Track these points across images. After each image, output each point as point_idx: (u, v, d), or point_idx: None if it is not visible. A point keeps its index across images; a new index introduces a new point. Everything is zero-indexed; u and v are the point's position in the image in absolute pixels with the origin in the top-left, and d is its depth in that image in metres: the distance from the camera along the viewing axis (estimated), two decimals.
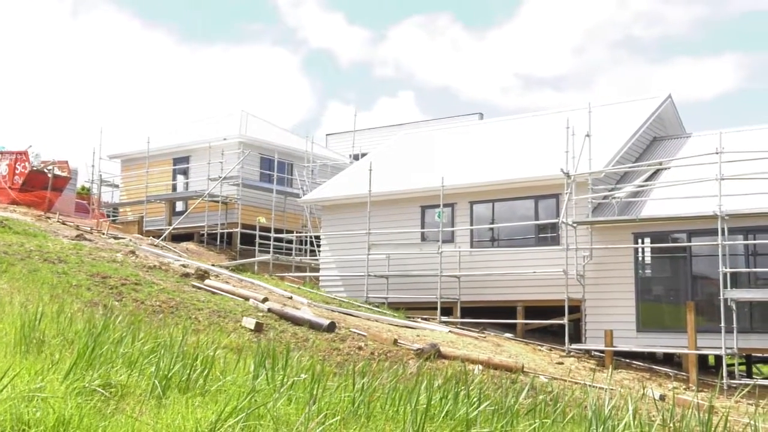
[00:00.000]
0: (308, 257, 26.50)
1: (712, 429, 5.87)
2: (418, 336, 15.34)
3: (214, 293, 14.65)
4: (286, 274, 23.52)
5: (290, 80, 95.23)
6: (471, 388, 6.50)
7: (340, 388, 6.01)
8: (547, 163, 19.57)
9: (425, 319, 19.00)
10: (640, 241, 18.20)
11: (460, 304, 20.10)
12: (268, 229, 25.99)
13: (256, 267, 23.53)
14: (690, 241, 17.44)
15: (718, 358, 16.69)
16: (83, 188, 35.68)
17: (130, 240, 23.05)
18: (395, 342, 13.42)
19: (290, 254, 27.03)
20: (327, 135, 39.34)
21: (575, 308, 18.21)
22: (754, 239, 16.73)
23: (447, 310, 20.15)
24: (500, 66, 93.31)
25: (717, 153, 16.07)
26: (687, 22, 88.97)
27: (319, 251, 24.64)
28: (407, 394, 5.94)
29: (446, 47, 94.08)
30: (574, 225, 18.03)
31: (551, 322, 19.13)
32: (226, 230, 27.74)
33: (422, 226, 21.70)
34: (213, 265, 20.19)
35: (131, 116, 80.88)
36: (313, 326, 13.06)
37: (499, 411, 5.98)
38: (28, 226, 19.86)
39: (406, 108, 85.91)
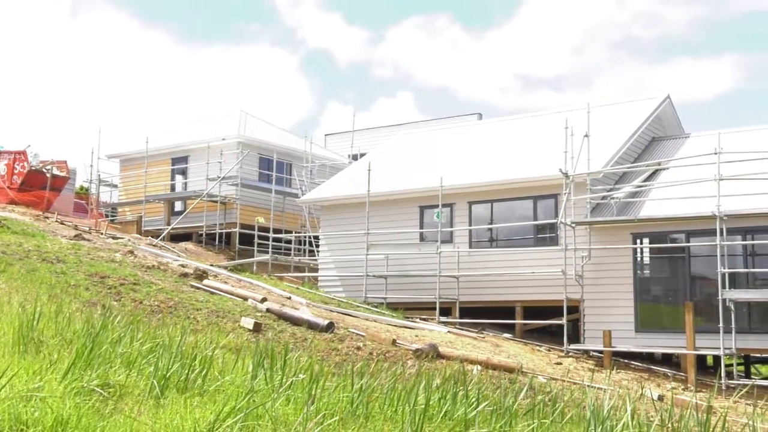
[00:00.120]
0: (307, 257, 26.50)
1: (711, 429, 5.87)
2: (416, 336, 15.34)
3: (212, 293, 14.64)
4: (284, 274, 23.51)
5: (289, 80, 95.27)
6: (469, 388, 6.50)
7: (338, 388, 6.01)
8: (546, 164, 19.58)
9: (424, 320, 19.00)
10: (638, 241, 18.21)
11: (459, 304, 20.11)
12: (266, 229, 25.98)
13: (254, 267, 23.53)
14: (688, 242, 17.45)
15: (717, 359, 16.70)
16: (82, 188, 35.66)
17: (129, 240, 23.03)
18: (394, 342, 13.42)
19: (289, 254, 27.02)
20: (326, 135, 39.33)
21: (574, 308, 18.21)
22: (753, 240, 16.74)
23: (446, 311, 20.15)
24: (499, 66, 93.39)
25: (716, 153, 16.08)
26: (686, 23, 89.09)
27: (317, 251, 24.64)
28: (406, 394, 5.94)
29: (445, 47, 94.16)
30: (573, 225, 18.03)
31: (550, 323, 19.14)
32: (224, 230, 27.74)
33: (421, 227, 21.71)
34: (212, 265, 20.18)
35: (130, 116, 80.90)
36: (312, 326, 13.06)
37: (498, 411, 5.98)
38: (26, 226, 19.84)
39: (405, 108, 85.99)
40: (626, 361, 17.52)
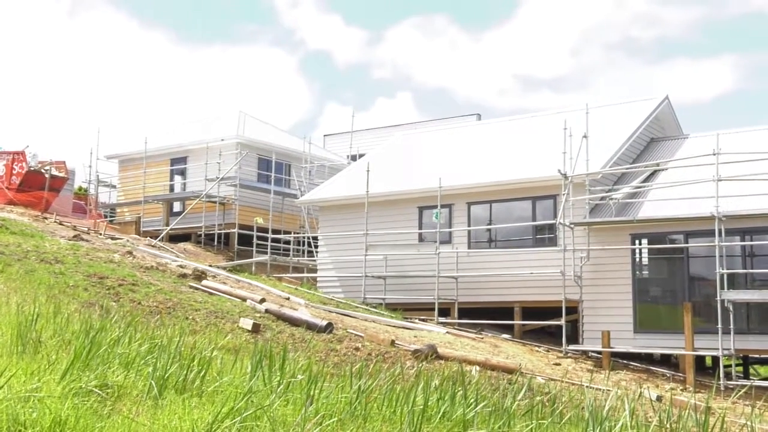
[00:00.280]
0: (306, 258, 26.49)
1: (709, 430, 5.87)
2: (415, 337, 15.34)
3: (211, 294, 14.64)
4: (283, 274, 23.51)
5: (288, 81, 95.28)
6: (468, 389, 6.50)
7: (337, 389, 6.01)
8: (545, 164, 19.59)
9: (423, 320, 19.00)
10: (637, 242, 18.21)
11: (458, 304, 20.11)
12: (265, 230, 25.98)
13: (253, 268, 23.52)
14: (687, 242, 17.46)
15: (715, 359, 16.71)
16: (80, 188, 35.63)
17: (128, 240, 23.02)
18: (392, 343, 13.42)
19: (288, 255, 27.02)
20: (325, 136, 39.34)
21: (572, 309, 18.21)
22: (751, 240, 16.75)
23: (444, 311, 20.15)
24: (498, 67, 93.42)
25: (714, 154, 16.09)
26: (684, 24, 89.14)
27: (316, 252, 24.64)
28: (404, 395, 5.94)
29: (443, 48, 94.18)
30: (572, 226, 18.04)
31: (549, 323, 19.13)
32: (223, 231, 27.74)
33: (420, 227, 21.71)
34: (210, 266, 20.17)
35: (129, 116, 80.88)
36: (311, 327, 13.05)
37: (496, 412, 5.98)
38: (25, 227, 19.83)
39: (404, 109, 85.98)
40: (625, 361, 17.53)
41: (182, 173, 30.35)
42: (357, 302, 20.00)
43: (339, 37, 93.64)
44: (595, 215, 18.61)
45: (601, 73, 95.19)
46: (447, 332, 16.99)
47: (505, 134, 24.37)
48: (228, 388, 5.79)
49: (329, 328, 13.27)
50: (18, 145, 30.00)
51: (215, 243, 27.69)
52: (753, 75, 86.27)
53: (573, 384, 12.03)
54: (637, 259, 18.40)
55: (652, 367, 17.55)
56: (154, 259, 18.53)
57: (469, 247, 20.74)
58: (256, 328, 11.90)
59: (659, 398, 12.32)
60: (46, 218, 24.51)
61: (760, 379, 19.02)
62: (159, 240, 26.18)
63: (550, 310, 19.04)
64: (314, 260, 24.87)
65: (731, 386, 14.82)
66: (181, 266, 18.00)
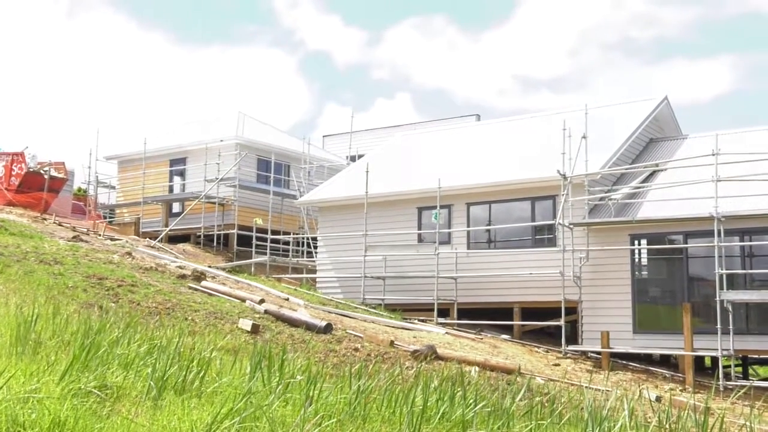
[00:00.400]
0: (305, 259, 26.49)
1: (708, 430, 5.87)
2: (414, 337, 15.33)
3: (210, 295, 14.64)
4: (282, 275, 23.51)
5: (287, 82, 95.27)
6: (467, 389, 6.50)
7: (336, 389, 6.01)
8: (544, 165, 19.59)
9: (422, 321, 19.00)
10: (636, 242, 18.22)
11: (457, 305, 20.10)
12: (264, 231, 25.98)
13: (252, 268, 23.52)
14: (686, 243, 17.47)
15: (715, 360, 16.71)
16: (80, 189, 35.61)
17: (127, 241, 23.02)
18: (392, 343, 13.42)
19: (287, 256, 27.00)
20: (324, 136, 39.35)
21: (572, 310, 18.22)
22: (750, 241, 16.76)
23: (444, 312, 20.15)
24: (497, 68, 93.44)
25: (713, 155, 16.09)
26: (682, 24, 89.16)
27: (315, 253, 24.63)
28: (403, 395, 5.94)
29: (442, 49, 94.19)
30: (571, 226, 18.05)
31: (548, 324, 19.13)
32: (222, 232, 27.74)
33: (419, 228, 21.71)
34: (210, 267, 20.17)
35: (128, 117, 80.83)
36: (310, 328, 13.05)
37: (496, 412, 5.98)
38: (24, 228, 19.82)
39: (403, 109, 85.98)
40: (624, 362, 17.53)
41: (181, 174, 30.35)
42: (356, 303, 20.00)
43: (338, 38, 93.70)
44: (594, 216, 18.61)
45: (599, 74, 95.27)
46: (446, 333, 16.99)
47: (505, 135, 24.38)
48: (227, 389, 5.79)
49: (328, 328, 13.27)
50: (17, 146, 30.12)
51: (214, 244, 27.69)
52: (751, 75, 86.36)
53: (572, 384, 12.04)
54: (637, 260, 18.40)
55: (651, 368, 17.55)
56: (153, 260, 18.52)
57: (468, 248, 20.74)
58: (255, 329, 11.90)
59: (658, 399, 12.32)
60: (45, 219, 24.50)
61: (759, 380, 19.02)
62: (158, 241, 26.18)
63: (549, 311, 19.04)
64: (313, 261, 24.87)
65: (730, 387, 14.82)
66: (180, 267, 18.00)
